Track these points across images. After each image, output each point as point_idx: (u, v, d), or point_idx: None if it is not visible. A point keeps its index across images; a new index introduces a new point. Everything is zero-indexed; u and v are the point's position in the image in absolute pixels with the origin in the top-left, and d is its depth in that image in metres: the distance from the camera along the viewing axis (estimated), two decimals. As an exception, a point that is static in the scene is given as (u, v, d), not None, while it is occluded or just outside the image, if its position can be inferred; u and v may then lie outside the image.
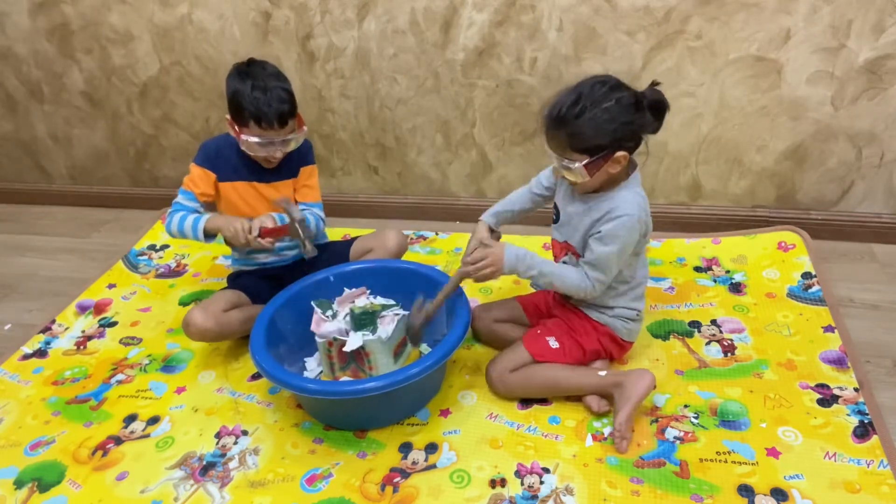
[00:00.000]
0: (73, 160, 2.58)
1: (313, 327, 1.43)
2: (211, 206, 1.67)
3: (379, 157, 2.24)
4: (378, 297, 1.52)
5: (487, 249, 1.33)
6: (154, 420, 1.48)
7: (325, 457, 1.35)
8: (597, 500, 1.19)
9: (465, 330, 1.37)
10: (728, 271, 1.81)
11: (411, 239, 2.15)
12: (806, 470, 1.21)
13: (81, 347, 1.77)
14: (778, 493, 1.17)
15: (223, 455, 1.37)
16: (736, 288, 1.74)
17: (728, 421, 1.33)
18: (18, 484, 1.35)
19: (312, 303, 1.47)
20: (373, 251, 1.71)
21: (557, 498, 1.20)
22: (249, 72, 1.49)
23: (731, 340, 1.55)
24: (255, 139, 1.48)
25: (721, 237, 1.95)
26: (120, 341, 1.78)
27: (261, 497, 1.26)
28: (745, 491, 1.18)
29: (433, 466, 1.29)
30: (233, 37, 2.11)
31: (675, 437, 1.30)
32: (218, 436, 1.42)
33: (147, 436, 1.44)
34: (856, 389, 1.37)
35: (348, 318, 1.44)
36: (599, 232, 1.28)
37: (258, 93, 1.45)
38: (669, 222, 2.06)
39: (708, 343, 1.55)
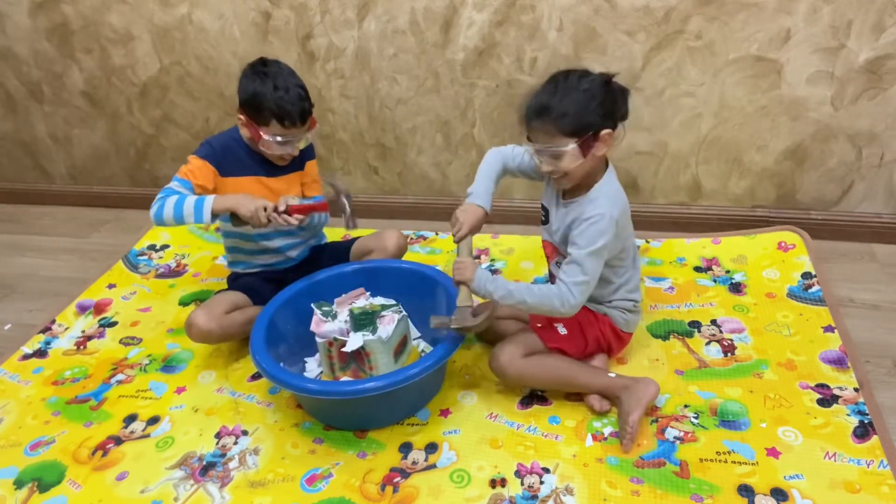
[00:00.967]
0: (73, 160, 2.58)
1: (313, 328, 1.43)
2: None
3: (379, 157, 2.24)
4: (378, 298, 1.52)
5: (463, 263, 1.38)
6: (154, 420, 1.48)
7: (326, 457, 1.35)
8: (597, 500, 1.19)
9: (465, 330, 1.37)
10: (728, 271, 1.81)
11: (411, 239, 2.15)
12: (806, 470, 1.21)
13: (81, 347, 1.77)
14: (778, 493, 1.17)
15: (223, 455, 1.37)
16: (736, 288, 1.74)
17: (728, 421, 1.33)
18: (18, 484, 1.35)
19: (312, 304, 1.47)
20: (373, 252, 1.72)
21: (557, 498, 1.20)
22: (267, 72, 1.49)
23: (731, 340, 1.55)
24: (277, 138, 1.49)
25: (721, 237, 1.95)
26: (120, 341, 1.78)
27: (261, 497, 1.26)
28: (745, 491, 1.18)
29: (433, 466, 1.29)
30: (233, 37, 2.11)
31: (675, 437, 1.30)
32: (218, 436, 1.42)
33: (147, 436, 1.44)
34: (856, 389, 1.37)
35: (348, 318, 1.44)
36: (574, 239, 1.30)
37: (281, 92, 1.46)
38: (669, 222, 2.06)
39: (708, 343, 1.55)
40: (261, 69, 1.51)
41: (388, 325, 1.41)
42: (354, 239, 1.79)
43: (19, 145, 2.60)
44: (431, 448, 1.34)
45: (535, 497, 1.21)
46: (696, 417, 1.34)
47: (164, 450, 1.39)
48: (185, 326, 1.55)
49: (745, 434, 1.30)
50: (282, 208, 1.49)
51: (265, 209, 1.47)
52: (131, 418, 1.50)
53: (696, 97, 1.85)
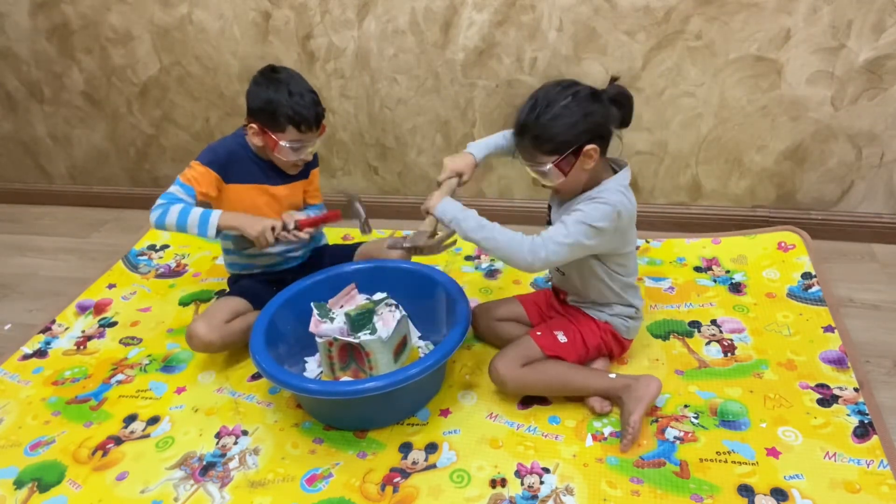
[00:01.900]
0: (73, 160, 2.58)
1: (312, 328, 1.43)
2: (205, 206, 1.64)
3: (379, 157, 2.24)
4: (376, 294, 1.52)
5: (436, 193, 1.35)
6: (154, 420, 1.48)
7: (326, 457, 1.35)
8: (597, 500, 1.19)
9: (465, 329, 1.37)
10: (728, 271, 1.81)
11: (411, 239, 2.14)
12: (806, 470, 1.21)
13: (81, 347, 1.77)
14: (778, 493, 1.17)
15: (223, 455, 1.37)
16: (736, 288, 1.74)
17: (728, 421, 1.33)
18: (18, 484, 1.35)
19: (311, 304, 1.47)
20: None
21: (557, 498, 1.20)
22: (280, 78, 1.48)
23: (731, 340, 1.55)
24: (292, 144, 1.50)
25: (721, 237, 1.95)
26: (120, 341, 1.78)
27: (261, 497, 1.26)
28: (745, 491, 1.18)
29: (433, 466, 1.29)
30: (233, 37, 2.11)
31: (675, 437, 1.30)
32: (218, 436, 1.42)
33: (147, 436, 1.44)
34: (856, 389, 1.37)
35: (346, 322, 1.44)
36: (574, 208, 1.27)
37: (296, 98, 1.46)
38: (669, 222, 2.06)
39: (708, 343, 1.55)
40: (273, 76, 1.49)
41: (388, 324, 1.41)
42: (358, 244, 1.78)
43: (19, 145, 2.60)
44: (431, 448, 1.34)
45: (535, 497, 1.21)
46: (696, 417, 1.34)
47: (164, 450, 1.39)
48: (186, 337, 1.55)
49: (745, 434, 1.30)
50: (291, 226, 1.52)
51: (273, 229, 1.49)
52: (131, 418, 1.50)
53: (696, 97, 1.85)
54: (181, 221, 1.48)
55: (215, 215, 1.49)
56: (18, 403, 1.58)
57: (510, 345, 1.41)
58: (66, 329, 1.85)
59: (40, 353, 1.76)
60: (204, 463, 1.35)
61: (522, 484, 1.24)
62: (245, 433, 1.42)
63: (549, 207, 1.44)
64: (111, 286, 2.04)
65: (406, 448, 1.34)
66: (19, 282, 2.14)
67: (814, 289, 1.68)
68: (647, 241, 1.97)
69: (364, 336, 1.38)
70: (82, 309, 1.94)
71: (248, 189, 1.60)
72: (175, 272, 2.09)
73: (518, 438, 1.34)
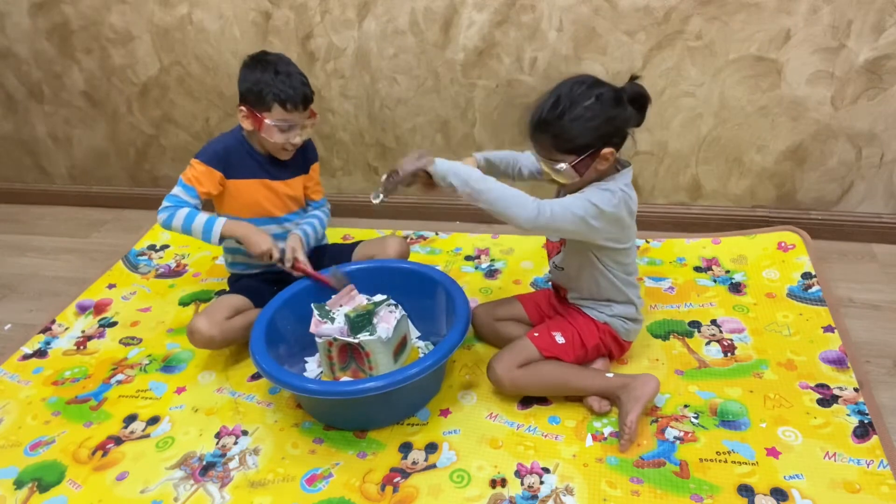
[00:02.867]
0: (73, 160, 2.58)
1: (312, 329, 1.43)
2: (208, 203, 1.65)
3: (379, 157, 2.24)
4: (377, 295, 1.52)
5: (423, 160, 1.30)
6: (154, 420, 1.48)
7: (325, 457, 1.35)
8: (597, 500, 1.19)
9: (465, 329, 1.37)
10: (728, 271, 1.81)
11: (411, 239, 2.15)
12: (806, 470, 1.21)
13: (81, 347, 1.77)
14: (778, 493, 1.17)
15: (223, 455, 1.37)
16: (736, 288, 1.74)
17: (728, 421, 1.33)
18: (18, 484, 1.35)
19: (312, 305, 1.47)
20: (375, 258, 1.72)
21: (557, 498, 1.20)
22: (268, 60, 1.51)
23: (731, 340, 1.55)
24: (278, 122, 1.50)
25: (721, 237, 1.95)
26: (120, 341, 1.78)
27: (261, 497, 1.26)
28: (745, 491, 1.18)
29: (433, 466, 1.29)
30: (233, 37, 2.11)
31: (675, 437, 1.30)
32: (218, 436, 1.42)
33: (147, 436, 1.44)
34: (856, 389, 1.37)
35: (345, 323, 1.44)
36: (583, 189, 1.27)
37: (283, 76, 1.48)
38: (669, 222, 2.06)
39: (708, 343, 1.55)
40: (261, 58, 1.53)
41: (388, 324, 1.41)
42: (357, 243, 1.78)
43: (19, 145, 2.60)
44: (431, 448, 1.34)
45: (535, 497, 1.21)
46: (695, 417, 1.34)
47: (164, 450, 1.39)
48: (187, 333, 1.55)
49: (744, 434, 1.29)
50: (288, 265, 1.57)
51: (271, 256, 1.54)
52: (131, 418, 1.50)
53: (696, 97, 1.85)
54: (186, 226, 1.55)
55: (219, 224, 1.54)
56: (18, 403, 1.58)
57: (508, 346, 1.41)
58: (66, 329, 1.85)
59: (40, 353, 1.76)
60: (204, 463, 1.35)
61: (522, 484, 1.24)
62: (245, 433, 1.42)
63: None
64: (111, 286, 2.04)
65: (406, 448, 1.34)
66: (19, 282, 2.14)
67: (814, 289, 1.68)
68: (647, 241, 1.97)
69: (364, 336, 1.38)
70: (82, 309, 1.94)
71: (248, 184, 1.62)
72: (175, 272, 2.09)
73: (518, 438, 1.34)
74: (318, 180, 1.77)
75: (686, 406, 1.37)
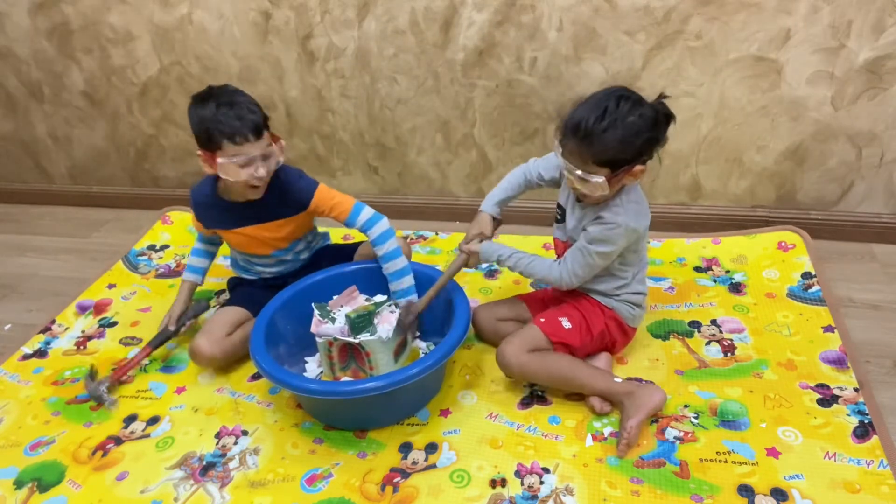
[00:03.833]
0: (73, 160, 2.58)
1: (313, 329, 1.43)
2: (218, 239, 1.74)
3: (379, 157, 2.24)
4: (377, 296, 1.52)
5: (467, 246, 1.48)
6: (154, 420, 1.48)
7: (325, 457, 1.35)
8: (597, 500, 1.19)
9: (465, 330, 1.37)
10: (728, 271, 1.81)
11: (411, 239, 2.15)
12: (806, 470, 1.21)
13: (81, 347, 1.77)
14: (778, 493, 1.17)
15: (223, 455, 1.37)
16: (736, 288, 1.74)
17: (728, 421, 1.33)
18: (18, 484, 1.35)
19: (312, 305, 1.47)
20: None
21: (557, 498, 1.20)
22: (210, 94, 1.40)
23: (731, 340, 1.55)
24: (234, 159, 1.38)
25: (721, 237, 1.95)
26: (120, 341, 1.78)
27: (261, 497, 1.26)
28: (745, 491, 1.18)
29: (433, 466, 1.29)
30: (233, 37, 2.11)
31: (675, 437, 1.30)
32: (218, 436, 1.42)
33: (147, 436, 1.44)
34: (856, 389, 1.37)
35: (346, 321, 1.44)
36: (588, 231, 1.33)
37: (225, 108, 1.36)
38: (669, 222, 2.06)
39: (708, 343, 1.55)
40: (204, 95, 1.40)
41: (389, 325, 1.41)
42: (358, 244, 1.77)
43: (19, 145, 2.60)
44: (431, 448, 1.34)
45: (535, 497, 1.21)
46: (696, 417, 1.34)
47: (164, 450, 1.40)
48: (189, 354, 1.58)
49: (745, 434, 1.30)
50: (172, 327, 1.66)
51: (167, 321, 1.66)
52: (131, 418, 1.50)
53: (696, 97, 1.85)
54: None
55: (184, 277, 1.74)
56: (18, 403, 1.58)
57: (517, 331, 1.42)
58: (66, 329, 1.85)
59: (40, 353, 1.76)
60: (204, 463, 1.35)
61: (522, 484, 1.24)
62: (245, 433, 1.42)
63: (560, 208, 1.45)
64: (111, 286, 2.04)
65: (406, 448, 1.34)
66: (19, 282, 2.14)
67: (814, 289, 1.68)
68: (648, 241, 1.97)
69: (364, 336, 1.38)
70: (82, 309, 1.94)
71: (228, 234, 1.62)
72: (175, 272, 2.09)
73: (518, 438, 1.34)
74: (332, 205, 1.56)
75: (686, 406, 1.37)
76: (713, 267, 1.84)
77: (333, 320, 1.42)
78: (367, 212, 1.56)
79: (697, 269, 1.84)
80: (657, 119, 1.22)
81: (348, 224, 1.56)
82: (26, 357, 1.75)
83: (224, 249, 1.80)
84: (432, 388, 1.47)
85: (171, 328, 1.65)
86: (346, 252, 1.76)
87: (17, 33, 2.30)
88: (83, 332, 1.84)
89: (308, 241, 1.73)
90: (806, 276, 1.73)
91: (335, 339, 1.40)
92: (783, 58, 1.74)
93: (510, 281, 1.87)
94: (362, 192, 2.32)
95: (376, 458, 1.33)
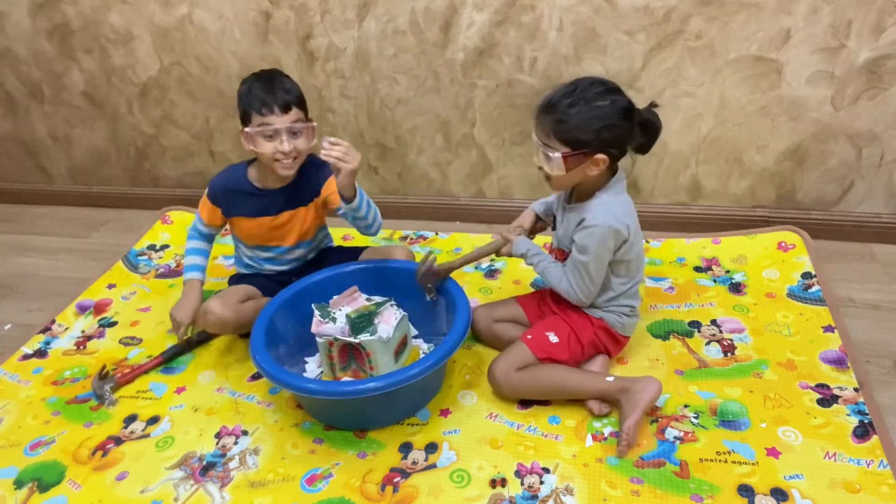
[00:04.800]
0: (73, 160, 2.58)
1: (313, 329, 1.43)
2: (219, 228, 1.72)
3: (379, 157, 2.24)
4: (375, 297, 1.52)
5: (506, 234, 1.49)
6: (154, 420, 1.48)
7: (326, 457, 1.35)
8: (597, 500, 1.19)
9: (465, 330, 1.37)
10: (728, 271, 1.81)
11: (411, 239, 2.15)
12: (806, 470, 1.21)
13: (81, 347, 1.77)
14: (778, 493, 1.17)
15: (223, 455, 1.37)
16: (736, 288, 1.74)
17: (728, 421, 1.33)
18: (18, 484, 1.35)
19: (312, 305, 1.47)
20: None
21: (557, 498, 1.20)
22: (255, 75, 1.50)
23: (731, 340, 1.55)
24: (259, 129, 1.45)
25: (721, 237, 1.95)
26: (120, 341, 1.78)
27: (261, 497, 1.26)
28: (745, 491, 1.18)
29: (433, 466, 1.29)
30: (233, 37, 2.11)
31: (675, 437, 1.30)
32: (218, 436, 1.42)
33: (147, 436, 1.44)
34: (856, 389, 1.37)
35: (346, 323, 1.44)
36: (576, 242, 1.33)
37: (261, 82, 1.46)
38: (669, 222, 2.06)
39: (708, 343, 1.55)
40: (250, 77, 1.50)
41: (389, 325, 1.41)
42: (361, 248, 1.77)
43: (19, 145, 2.60)
44: (431, 448, 1.34)
45: (535, 497, 1.21)
46: (696, 417, 1.34)
47: (164, 450, 1.39)
48: (199, 314, 1.56)
49: (745, 434, 1.30)
50: (181, 335, 1.61)
51: (177, 327, 1.59)
52: (131, 418, 1.50)
53: (696, 97, 1.85)
54: (185, 254, 1.70)
55: (185, 276, 1.67)
56: (18, 403, 1.58)
57: (505, 350, 1.42)
58: (66, 329, 1.85)
59: (40, 353, 1.76)
60: (204, 463, 1.35)
61: (522, 484, 1.24)
62: (245, 433, 1.42)
63: (553, 217, 1.47)
64: (111, 286, 2.04)
65: (406, 448, 1.34)
66: (19, 282, 2.14)
67: (814, 289, 1.68)
68: (647, 241, 1.97)
69: (364, 336, 1.38)
70: (82, 309, 1.94)
71: (249, 221, 1.62)
72: (175, 272, 2.09)
73: (518, 438, 1.34)
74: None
75: (686, 406, 1.37)
76: (713, 267, 1.84)
77: (334, 320, 1.42)
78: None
79: (697, 269, 1.84)
80: (629, 112, 1.23)
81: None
82: (26, 357, 1.75)
83: (222, 250, 1.80)
84: (432, 388, 1.47)
85: (182, 334, 1.61)
86: (349, 253, 1.76)
87: (17, 33, 2.30)
88: (83, 332, 1.84)
89: (320, 238, 1.76)
90: (806, 276, 1.73)
91: (335, 339, 1.40)
92: (783, 58, 1.74)
93: (510, 281, 1.87)
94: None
95: (376, 458, 1.33)
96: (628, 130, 1.25)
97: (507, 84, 1.98)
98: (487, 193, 2.21)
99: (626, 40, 1.82)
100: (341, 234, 2.16)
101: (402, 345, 1.47)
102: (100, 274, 2.10)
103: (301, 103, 1.50)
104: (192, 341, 1.69)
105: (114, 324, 1.86)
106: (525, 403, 1.42)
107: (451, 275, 1.54)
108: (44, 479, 1.35)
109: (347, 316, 1.42)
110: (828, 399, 1.36)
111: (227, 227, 1.71)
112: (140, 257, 2.19)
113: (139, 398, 1.56)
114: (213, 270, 2.08)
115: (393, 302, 1.48)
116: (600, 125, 1.21)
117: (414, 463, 1.31)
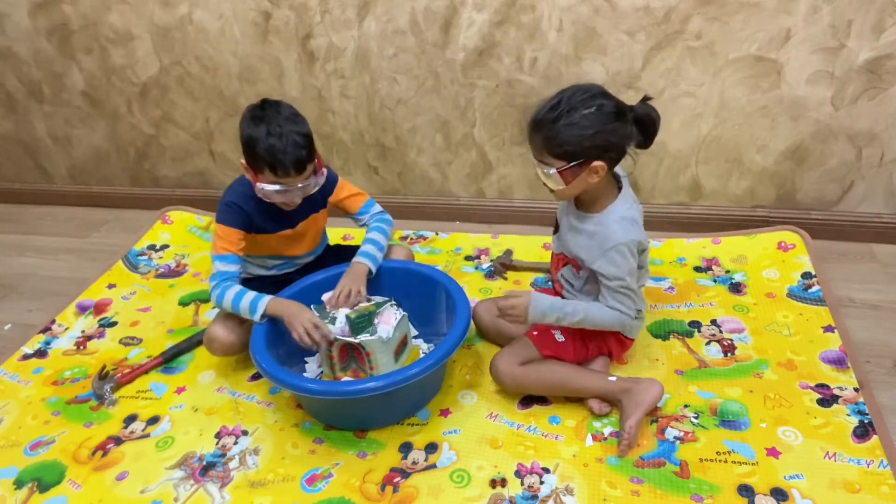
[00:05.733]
0: (73, 160, 2.58)
1: (314, 328, 1.43)
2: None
3: (379, 157, 2.24)
4: (375, 297, 1.52)
5: (513, 300, 1.33)
6: (154, 420, 1.48)
7: (326, 457, 1.35)
8: (597, 500, 1.19)
9: (465, 329, 1.37)
10: (728, 271, 1.81)
11: (411, 239, 2.15)
12: (806, 470, 1.21)
13: (81, 347, 1.77)
14: (778, 493, 1.17)
15: (223, 455, 1.37)
16: (736, 288, 1.74)
17: (728, 421, 1.33)
18: (18, 484, 1.35)
19: (311, 306, 1.47)
20: None
21: (557, 498, 1.20)
22: (264, 116, 1.39)
23: (731, 340, 1.55)
24: (273, 187, 1.40)
25: (721, 237, 1.95)
26: (120, 341, 1.78)
27: (261, 497, 1.26)
28: (745, 491, 1.18)
29: (433, 466, 1.29)
30: (233, 37, 2.11)
31: (675, 437, 1.30)
32: (218, 436, 1.42)
33: (147, 436, 1.44)
34: (856, 389, 1.37)
35: (346, 323, 1.44)
36: (603, 269, 1.29)
37: (273, 139, 1.35)
38: (669, 222, 2.06)
39: (708, 343, 1.55)
40: (258, 112, 1.40)
41: (389, 325, 1.41)
42: (357, 247, 1.76)
43: (19, 145, 2.60)
44: (431, 448, 1.34)
45: (535, 497, 1.21)
46: (696, 417, 1.34)
47: (164, 450, 1.40)
48: (205, 343, 1.56)
49: (745, 434, 1.30)
50: (324, 346, 1.42)
51: (309, 334, 1.40)
52: (131, 418, 1.50)
53: (696, 97, 1.85)
54: (234, 306, 1.47)
55: (263, 303, 1.45)
56: (18, 403, 1.58)
57: (510, 344, 1.42)
58: (66, 329, 1.85)
59: (40, 353, 1.76)
60: (204, 463, 1.35)
61: (522, 484, 1.24)
62: (245, 433, 1.42)
63: (556, 221, 1.46)
64: (111, 286, 2.04)
65: (406, 448, 1.34)
66: (19, 282, 2.14)
67: (814, 289, 1.68)
68: (648, 241, 1.97)
69: (364, 336, 1.38)
70: (82, 309, 1.94)
71: (269, 238, 1.59)
72: (175, 272, 2.09)
73: (518, 438, 1.34)
74: (348, 194, 1.67)
75: (686, 406, 1.37)
76: (713, 267, 1.84)
77: (334, 321, 1.42)
78: (378, 207, 1.73)
79: (697, 269, 1.84)
80: (619, 114, 1.20)
81: (360, 213, 1.69)
82: (26, 357, 1.75)
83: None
84: (432, 388, 1.47)
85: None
86: (348, 252, 1.76)
87: (17, 33, 2.30)
88: (83, 332, 1.84)
89: (323, 238, 1.76)
90: (806, 276, 1.73)
91: (336, 339, 1.40)
92: (783, 58, 1.74)
93: (510, 281, 1.87)
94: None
95: (376, 458, 1.33)
96: (622, 132, 1.22)
97: (507, 84, 1.98)
98: (487, 193, 2.21)
99: (626, 40, 1.82)
100: (341, 234, 2.16)
101: (402, 345, 1.47)
102: (100, 274, 2.10)
103: (312, 153, 1.43)
104: (192, 341, 1.69)
105: (114, 324, 1.86)
106: (525, 403, 1.42)
107: (451, 275, 1.54)
108: (44, 479, 1.35)
109: (347, 316, 1.42)
110: (828, 399, 1.36)
111: None
112: (140, 257, 2.19)
113: (139, 398, 1.56)
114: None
115: (393, 302, 1.48)
116: (591, 133, 1.18)
117: (414, 463, 1.31)
